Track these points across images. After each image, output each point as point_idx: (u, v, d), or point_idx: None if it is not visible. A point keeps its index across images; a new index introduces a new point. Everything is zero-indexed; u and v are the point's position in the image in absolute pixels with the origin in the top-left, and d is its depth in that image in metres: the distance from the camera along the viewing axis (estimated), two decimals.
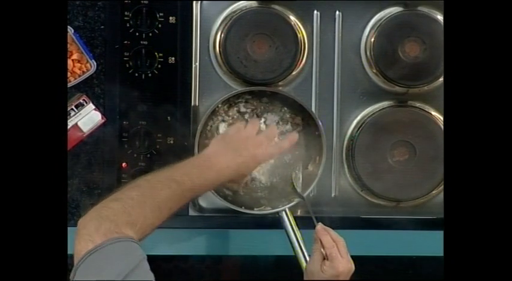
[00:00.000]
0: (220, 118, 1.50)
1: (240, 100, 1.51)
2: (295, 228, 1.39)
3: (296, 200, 1.44)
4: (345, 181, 1.57)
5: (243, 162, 1.30)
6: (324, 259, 1.28)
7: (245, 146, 1.31)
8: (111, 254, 1.05)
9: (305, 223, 1.49)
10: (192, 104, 1.50)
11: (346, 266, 1.28)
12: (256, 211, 1.45)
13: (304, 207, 1.51)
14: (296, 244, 1.37)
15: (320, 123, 1.48)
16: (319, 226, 1.32)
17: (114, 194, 1.16)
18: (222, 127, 1.49)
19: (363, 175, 1.54)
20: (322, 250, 1.28)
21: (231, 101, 1.50)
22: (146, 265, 1.05)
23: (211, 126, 1.50)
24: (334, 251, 1.27)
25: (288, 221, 1.39)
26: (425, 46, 1.54)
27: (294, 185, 1.44)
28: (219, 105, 1.49)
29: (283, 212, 1.40)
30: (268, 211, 1.45)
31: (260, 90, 1.50)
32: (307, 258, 1.35)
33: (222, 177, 1.28)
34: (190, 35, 1.50)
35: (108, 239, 1.06)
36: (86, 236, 1.07)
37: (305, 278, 1.30)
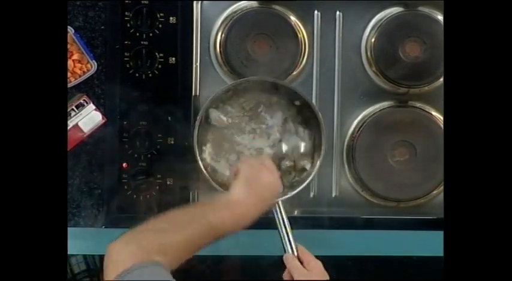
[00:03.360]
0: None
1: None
2: (286, 221, 1.39)
3: (289, 194, 1.44)
4: (345, 181, 1.57)
5: (265, 205, 1.32)
6: None
7: (267, 190, 1.32)
8: (141, 278, 1.05)
9: (307, 223, 1.50)
10: (193, 104, 1.50)
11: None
12: None
13: (302, 207, 1.51)
14: (285, 237, 1.37)
15: (320, 115, 1.47)
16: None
17: (145, 224, 1.16)
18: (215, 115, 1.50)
19: (363, 175, 1.54)
20: None
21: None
22: None
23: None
24: None
25: (280, 213, 1.40)
26: (425, 46, 1.54)
27: None
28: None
29: (275, 204, 1.41)
30: None
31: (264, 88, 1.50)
32: (295, 250, 1.35)
33: (250, 220, 1.29)
34: (191, 35, 1.51)
35: (139, 263, 1.06)
36: (117, 262, 1.07)
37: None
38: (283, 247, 1.36)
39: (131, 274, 1.05)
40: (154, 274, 1.07)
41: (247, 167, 1.34)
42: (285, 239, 1.37)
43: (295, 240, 1.36)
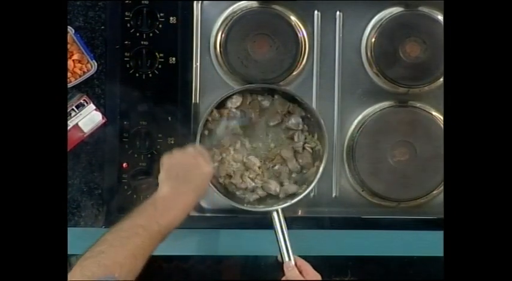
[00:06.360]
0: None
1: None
2: (285, 229, 1.39)
3: (289, 202, 1.45)
4: (345, 181, 1.57)
5: (198, 189, 1.32)
6: None
7: (192, 175, 1.32)
8: None
9: (307, 223, 1.50)
10: (193, 104, 1.50)
11: None
12: (248, 207, 1.46)
13: (302, 207, 1.51)
14: (283, 245, 1.38)
15: (322, 121, 1.47)
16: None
17: (83, 255, 1.16)
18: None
19: (363, 175, 1.54)
20: None
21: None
22: None
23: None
24: None
25: (279, 221, 1.40)
26: (425, 46, 1.53)
27: None
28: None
29: (275, 212, 1.41)
30: (261, 209, 1.46)
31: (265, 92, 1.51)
32: (292, 259, 1.37)
33: (185, 212, 1.30)
34: (191, 35, 1.51)
35: None
36: None
37: None
38: (281, 255, 1.37)
39: None
40: None
41: (166, 159, 1.34)
42: (282, 248, 1.37)
43: (292, 249, 1.37)
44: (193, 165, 1.33)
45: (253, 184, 1.49)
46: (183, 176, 1.31)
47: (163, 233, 1.24)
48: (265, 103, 1.51)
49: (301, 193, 1.47)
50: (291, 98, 1.50)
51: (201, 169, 1.33)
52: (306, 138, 1.51)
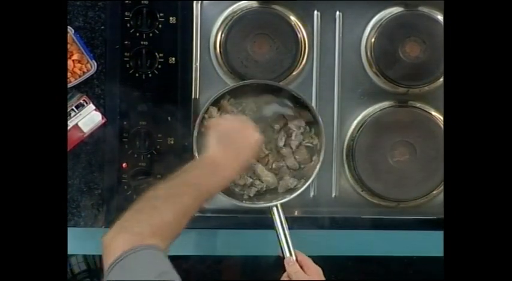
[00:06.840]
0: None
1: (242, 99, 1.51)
2: (285, 224, 1.39)
3: (288, 197, 1.45)
4: (345, 181, 1.57)
5: (245, 158, 1.32)
6: None
7: (241, 140, 1.32)
8: (135, 263, 1.06)
9: (307, 223, 1.50)
10: (193, 104, 1.50)
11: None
12: (247, 204, 1.47)
13: (302, 207, 1.51)
14: (283, 240, 1.38)
15: (320, 119, 1.47)
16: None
17: (135, 205, 1.16)
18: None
19: (363, 175, 1.54)
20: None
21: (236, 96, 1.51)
22: (171, 274, 1.06)
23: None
24: None
25: (278, 216, 1.40)
26: (425, 46, 1.54)
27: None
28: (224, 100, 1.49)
29: (274, 207, 1.41)
30: (260, 205, 1.46)
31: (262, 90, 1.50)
32: (293, 254, 1.36)
33: (232, 176, 1.32)
34: (191, 35, 1.51)
35: (133, 248, 1.07)
36: (114, 250, 1.07)
37: None
38: (281, 251, 1.37)
39: (125, 259, 1.05)
40: (145, 259, 1.07)
41: (214, 123, 1.35)
42: (283, 243, 1.37)
43: (293, 244, 1.37)
44: (242, 131, 1.33)
45: (251, 180, 1.49)
46: (233, 141, 1.31)
47: (209, 194, 1.25)
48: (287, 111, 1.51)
49: (300, 188, 1.47)
50: (300, 103, 1.50)
51: (250, 136, 1.33)
52: (303, 137, 1.51)
